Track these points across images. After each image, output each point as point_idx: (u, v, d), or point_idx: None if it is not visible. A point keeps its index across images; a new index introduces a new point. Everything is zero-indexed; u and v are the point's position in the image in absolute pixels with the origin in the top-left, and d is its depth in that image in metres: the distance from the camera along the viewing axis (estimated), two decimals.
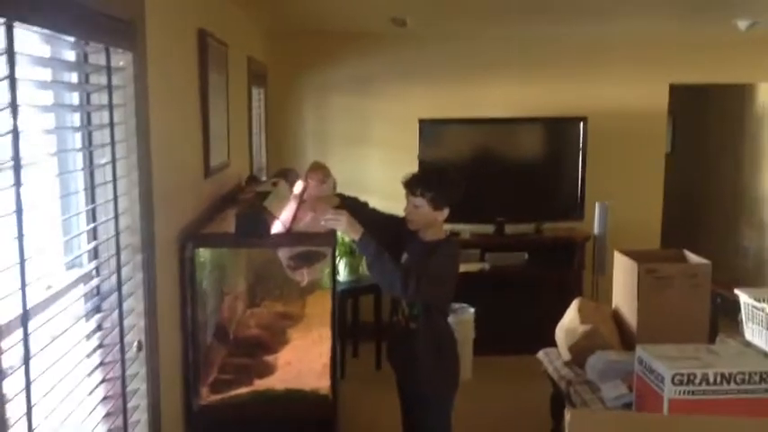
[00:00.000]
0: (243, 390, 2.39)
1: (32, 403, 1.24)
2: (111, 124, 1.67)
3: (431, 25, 4.95)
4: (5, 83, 1.17)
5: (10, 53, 1.17)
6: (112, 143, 1.67)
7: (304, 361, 2.52)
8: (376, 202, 5.56)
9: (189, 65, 2.64)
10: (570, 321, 3.80)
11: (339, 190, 3.19)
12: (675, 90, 5.81)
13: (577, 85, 5.61)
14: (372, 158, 5.66)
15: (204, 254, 2.40)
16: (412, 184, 2.73)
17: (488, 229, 5.55)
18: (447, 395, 2.76)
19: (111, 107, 1.66)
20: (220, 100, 3.15)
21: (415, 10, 4.17)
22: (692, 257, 3.77)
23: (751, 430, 1.42)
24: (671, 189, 6.26)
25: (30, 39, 1.37)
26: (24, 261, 1.20)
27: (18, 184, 1.18)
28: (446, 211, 2.72)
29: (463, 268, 5.33)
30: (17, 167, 1.18)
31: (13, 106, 1.17)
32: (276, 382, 2.43)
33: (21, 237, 1.20)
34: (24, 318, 1.21)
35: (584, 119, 5.43)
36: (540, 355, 3.95)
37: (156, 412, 1.95)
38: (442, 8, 4.19)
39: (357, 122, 5.63)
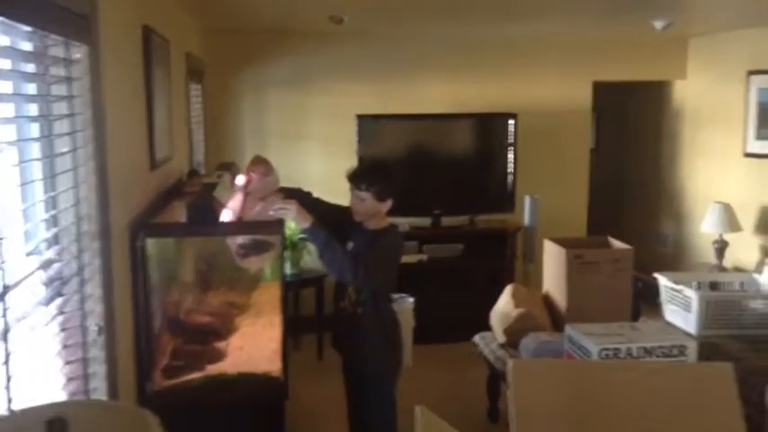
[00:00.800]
0: (195, 375, 2.46)
1: (10, 376, 1.30)
2: (72, 114, 1.72)
3: (368, 24, 5.08)
4: None
5: None
6: (72, 133, 1.73)
7: (254, 346, 2.60)
8: (318, 195, 5.66)
9: (135, 60, 2.68)
10: (504, 306, 4.00)
11: (282, 183, 3.28)
12: (598, 87, 6.12)
13: (508, 82, 5.85)
14: (311, 153, 5.75)
15: (154, 244, 2.46)
16: (357, 178, 2.85)
17: (425, 221, 5.72)
18: (392, 377, 2.89)
19: (70, 98, 1.72)
20: (163, 95, 3.19)
21: (352, 8, 4.29)
22: (616, 244, 4.02)
23: (672, 373, 1.60)
24: (596, 182, 6.59)
25: None
26: (0, 240, 1.27)
27: None
28: (389, 203, 2.85)
29: (403, 260, 5.50)
30: None
31: None
32: (228, 366, 2.51)
33: None
34: (3, 294, 1.28)
35: (514, 115, 5.67)
36: (476, 338, 4.14)
37: (114, 395, 2.01)
38: (377, 7, 4.32)
39: (295, 118, 5.72)
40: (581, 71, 5.96)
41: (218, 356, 2.57)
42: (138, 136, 2.67)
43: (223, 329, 2.69)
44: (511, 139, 5.71)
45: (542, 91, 5.90)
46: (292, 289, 5.29)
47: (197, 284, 2.88)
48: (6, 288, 1.29)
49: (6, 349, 1.28)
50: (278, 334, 2.50)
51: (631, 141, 7.32)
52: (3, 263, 1.27)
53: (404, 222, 5.67)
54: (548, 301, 4.06)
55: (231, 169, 3.52)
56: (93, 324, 1.88)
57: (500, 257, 5.66)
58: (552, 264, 4.04)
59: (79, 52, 1.81)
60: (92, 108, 1.86)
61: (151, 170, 2.87)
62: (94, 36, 1.88)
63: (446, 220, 5.76)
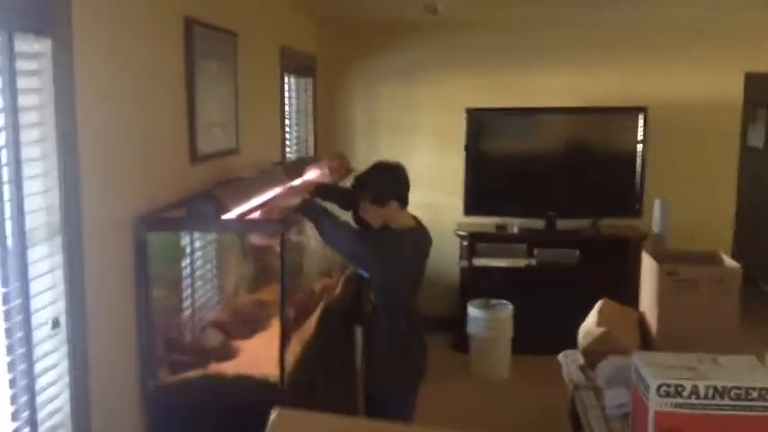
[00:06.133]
0: (196, 373, 2.42)
1: None
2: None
3: (463, 12, 4.81)
4: None
5: None
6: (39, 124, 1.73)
7: (267, 348, 2.50)
8: (424, 192, 5.54)
9: (169, 52, 2.68)
10: (589, 323, 3.60)
11: None
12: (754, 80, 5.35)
13: (637, 73, 5.30)
14: (420, 147, 5.60)
15: (162, 237, 2.44)
16: (354, 188, 2.73)
17: (539, 223, 5.34)
18: (393, 398, 2.68)
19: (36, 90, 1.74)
20: (219, 87, 3.19)
21: None
22: (726, 260, 3.46)
23: None
24: (759, 187, 5.81)
25: None
26: None
27: None
28: (394, 204, 2.65)
29: (506, 263, 5.19)
30: None
31: None
32: (230, 367, 2.44)
33: None
34: None
35: (644, 109, 5.12)
36: (561, 356, 3.77)
37: (82, 389, 2.01)
38: None
39: (405, 111, 5.59)
40: (730, 61, 5.24)
41: (227, 356, 2.50)
42: (167, 130, 2.67)
43: (239, 328, 2.62)
44: (640, 136, 5.16)
45: (679, 83, 5.28)
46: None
47: (234, 282, 2.85)
48: None
49: None
50: (277, 336, 2.39)
51: None
52: None
53: (514, 223, 5.35)
54: (643, 322, 3.60)
55: (293, 168, 3.48)
56: (47, 318, 1.88)
57: (621, 268, 5.14)
58: (647, 279, 3.57)
59: (38, 46, 1.81)
60: (55, 103, 1.86)
61: (192, 163, 2.87)
62: (59, 29, 1.87)
63: (562, 223, 5.33)
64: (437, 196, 5.53)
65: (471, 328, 4.87)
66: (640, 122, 5.14)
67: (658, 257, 3.47)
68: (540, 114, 5.32)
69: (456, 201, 5.33)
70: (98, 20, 2.11)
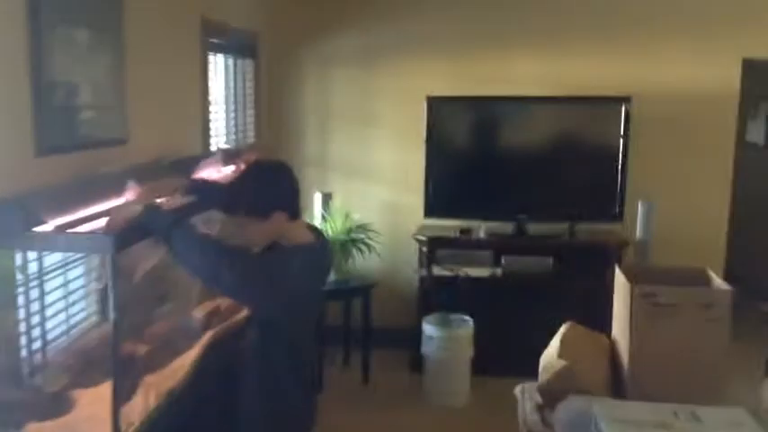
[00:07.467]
0: None
1: None
2: None
3: None
4: None
5: None
6: None
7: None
8: (383, 189, 4.97)
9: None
10: (549, 353, 3.01)
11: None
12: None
13: (620, 58, 4.70)
14: (379, 140, 5.00)
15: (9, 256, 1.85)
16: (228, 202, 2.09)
17: (508, 227, 4.74)
18: None
19: None
20: (93, 63, 2.59)
21: None
22: (715, 281, 2.87)
23: None
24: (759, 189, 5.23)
25: None
26: None
27: None
28: (280, 215, 2.03)
29: (471, 273, 4.59)
30: None
31: None
32: (55, 427, 1.84)
33: None
34: None
35: (627, 99, 4.52)
36: (517, 390, 3.17)
37: None
38: None
39: (363, 99, 4.98)
40: (725, 46, 4.63)
41: (57, 411, 1.89)
42: None
43: (85, 373, 2.02)
44: (622, 130, 4.57)
45: (668, 70, 4.67)
46: (340, 298, 4.58)
47: (85, 310, 2.25)
48: None
49: None
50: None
51: None
52: None
53: (480, 227, 4.75)
54: (615, 353, 3.01)
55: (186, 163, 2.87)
56: None
57: (599, 280, 4.53)
58: (620, 301, 2.98)
59: None
60: None
61: (39, 156, 2.27)
62: None
63: (535, 228, 4.74)
64: (398, 195, 4.94)
65: (426, 348, 4.28)
66: (623, 114, 4.54)
67: (634, 275, 2.88)
68: (509, 104, 4.70)
69: (419, 201, 4.74)
70: None
